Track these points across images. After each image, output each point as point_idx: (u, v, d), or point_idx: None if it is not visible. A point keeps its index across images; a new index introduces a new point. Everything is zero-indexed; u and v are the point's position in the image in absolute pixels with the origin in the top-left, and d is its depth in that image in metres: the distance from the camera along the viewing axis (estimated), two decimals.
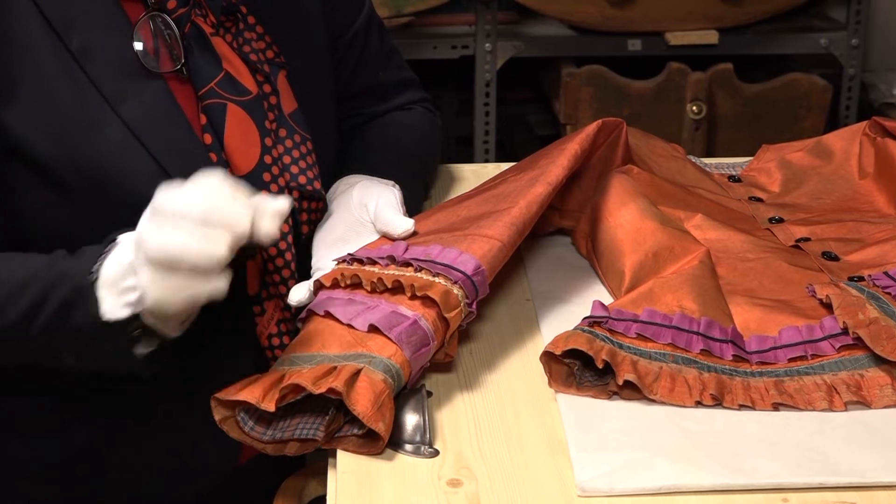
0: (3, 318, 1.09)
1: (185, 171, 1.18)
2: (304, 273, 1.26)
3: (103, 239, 1.10)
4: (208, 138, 1.22)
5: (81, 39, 1.17)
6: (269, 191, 1.25)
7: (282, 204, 1.04)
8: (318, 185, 1.30)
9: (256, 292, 1.27)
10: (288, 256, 1.27)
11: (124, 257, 1.05)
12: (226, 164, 1.23)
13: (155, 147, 1.18)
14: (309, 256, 1.33)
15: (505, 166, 1.41)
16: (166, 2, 1.20)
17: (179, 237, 0.99)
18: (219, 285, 1.01)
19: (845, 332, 1.11)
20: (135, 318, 1.05)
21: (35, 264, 1.11)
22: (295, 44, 1.33)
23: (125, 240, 1.07)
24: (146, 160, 1.18)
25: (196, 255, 0.99)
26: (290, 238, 1.27)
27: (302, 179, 1.28)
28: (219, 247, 0.99)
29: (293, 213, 1.29)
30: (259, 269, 1.27)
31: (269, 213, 1.03)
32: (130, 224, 1.10)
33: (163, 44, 1.20)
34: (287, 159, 1.28)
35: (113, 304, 1.05)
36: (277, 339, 1.30)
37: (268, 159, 1.25)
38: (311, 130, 1.31)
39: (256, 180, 1.24)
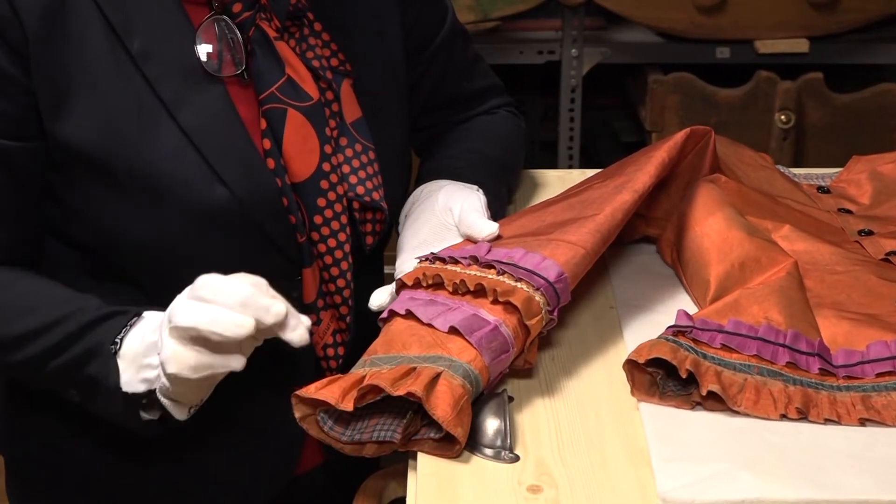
0: (25, 349, 1.14)
1: (240, 178, 1.18)
2: (367, 285, 1.24)
3: (161, 248, 1.16)
4: (267, 143, 1.21)
5: (142, 42, 1.16)
6: (327, 199, 1.24)
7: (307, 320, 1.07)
8: (377, 195, 1.28)
9: (313, 301, 1.27)
10: (344, 266, 1.26)
11: (147, 335, 1.09)
12: (283, 170, 1.22)
13: (210, 153, 1.18)
14: (374, 268, 1.33)
15: (589, 172, 1.41)
16: (231, 5, 1.20)
17: (210, 312, 1.02)
18: (235, 365, 1.06)
19: None
20: (150, 393, 1.10)
21: (71, 306, 1.14)
22: (365, 54, 1.31)
23: (150, 317, 1.11)
24: (201, 166, 1.18)
25: (221, 331, 1.02)
26: (346, 248, 1.26)
27: (360, 189, 1.26)
28: (244, 328, 1.02)
29: (353, 224, 1.28)
30: (316, 278, 1.27)
31: (304, 323, 1.06)
32: (185, 231, 1.14)
33: (226, 47, 1.19)
34: (346, 168, 1.26)
35: (131, 378, 1.09)
36: (332, 349, 1.29)
37: (326, 167, 1.24)
38: (376, 141, 1.29)
39: (314, 187, 1.23)
